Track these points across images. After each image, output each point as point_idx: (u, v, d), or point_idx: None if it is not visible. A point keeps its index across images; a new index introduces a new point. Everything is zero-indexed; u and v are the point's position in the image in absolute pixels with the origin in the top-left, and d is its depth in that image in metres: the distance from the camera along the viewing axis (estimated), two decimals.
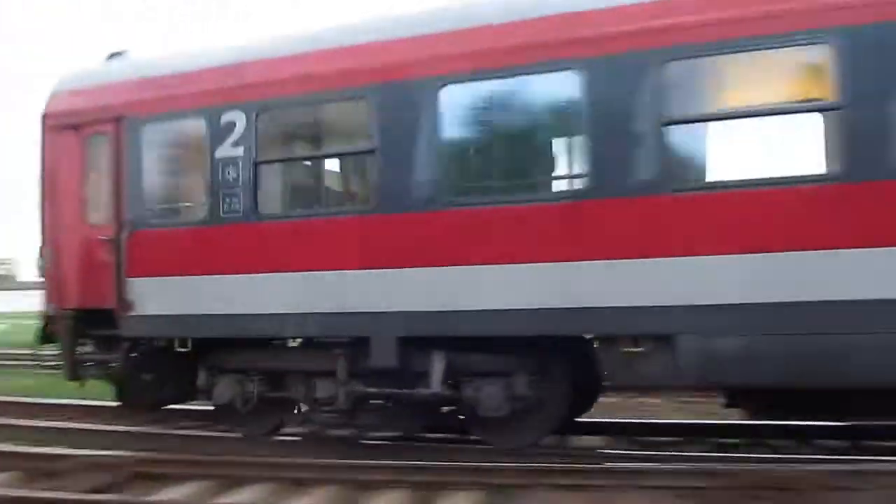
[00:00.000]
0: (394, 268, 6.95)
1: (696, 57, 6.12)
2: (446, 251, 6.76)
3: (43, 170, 8.78)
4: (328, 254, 7.21)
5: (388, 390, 7.27)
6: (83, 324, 8.41)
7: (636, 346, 6.29)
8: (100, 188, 8.46)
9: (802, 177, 5.84)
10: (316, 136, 8.68)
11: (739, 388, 6.68)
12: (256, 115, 7.52)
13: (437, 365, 6.95)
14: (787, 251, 5.71)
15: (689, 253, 6.02)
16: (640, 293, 6.15)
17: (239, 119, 7.61)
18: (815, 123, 6.29)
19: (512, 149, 7.29)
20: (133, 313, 8.04)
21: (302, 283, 7.29)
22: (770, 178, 5.90)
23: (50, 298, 8.64)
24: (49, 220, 8.68)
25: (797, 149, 6.54)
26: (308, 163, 8.91)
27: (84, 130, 8.49)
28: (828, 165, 5.97)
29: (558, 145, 7.74)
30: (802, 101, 6.34)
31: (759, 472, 5.57)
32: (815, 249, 5.64)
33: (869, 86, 5.61)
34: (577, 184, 6.74)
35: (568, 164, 7.56)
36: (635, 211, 6.21)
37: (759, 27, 5.88)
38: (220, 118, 7.70)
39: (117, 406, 9.40)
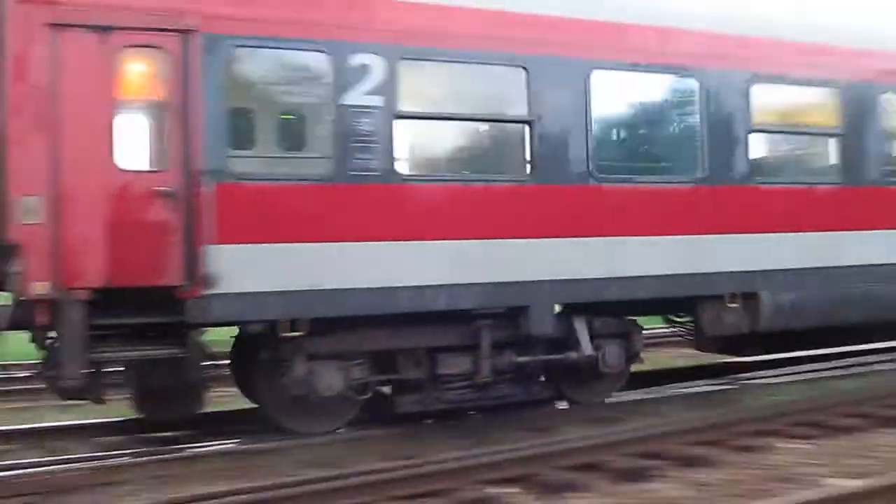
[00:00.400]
0: (552, 237, 7.15)
1: None
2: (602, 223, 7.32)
3: (14, 74, 5.83)
4: (484, 222, 6.92)
5: (541, 357, 7.28)
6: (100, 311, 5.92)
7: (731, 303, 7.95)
8: (147, 122, 6.10)
9: None
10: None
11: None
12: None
13: (584, 329, 7.37)
14: None
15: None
16: (738, 259, 7.85)
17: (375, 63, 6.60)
18: None
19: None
20: (216, 291, 6.10)
21: (457, 252, 6.80)
22: None
23: (41, 274, 5.77)
24: (40, 157, 5.80)
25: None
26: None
27: (120, 37, 5.99)
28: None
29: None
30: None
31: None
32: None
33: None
34: (699, 172, 7.98)
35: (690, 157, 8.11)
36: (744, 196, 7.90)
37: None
38: (347, 57, 6.53)
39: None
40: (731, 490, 5.25)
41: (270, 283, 6.28)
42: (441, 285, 6.78)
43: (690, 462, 5.94)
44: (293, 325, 6.40)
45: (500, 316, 7.13)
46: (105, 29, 5.98)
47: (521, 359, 7.28)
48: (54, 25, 5.83)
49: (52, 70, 5.83)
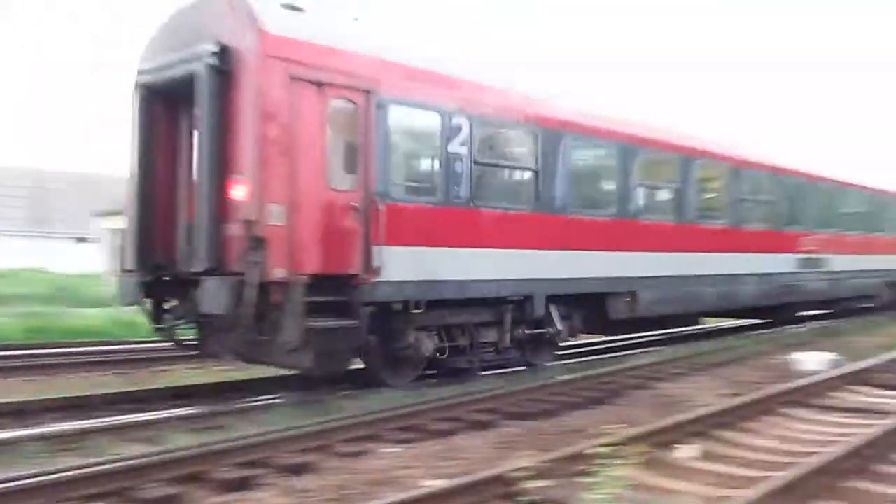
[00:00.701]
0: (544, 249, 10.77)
1: None
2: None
3: (266, 113, 7.90)
4: (514, 236, 10.28)
5: (537, 331, 10.71)
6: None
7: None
8: (343, 154, 8.41)
9: None
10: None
11: None
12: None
13: (558, 313, 11.05)
14: None
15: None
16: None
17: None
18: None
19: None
20: (379, 279, 8.65)
21: (503, 257, 10.09)
22: None
23: (280, 263, 7.85)
24: (283, 176, 7.90)
25: None
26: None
27: (328, 91, 8.29)
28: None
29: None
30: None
31: None
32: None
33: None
34: (632, 209, 12.01)
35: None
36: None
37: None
38: (451, 120, 9.48)
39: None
40: (332, 496, 5.42)
41: (410, 275, 8.97)
42: (492, 279, 9.98)
43: (295, 470, 6.05)
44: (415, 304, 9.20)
45: (516, 302, 10.49)
46: (321, 84, 8.25)
47: (527, 332, 10.74)
48: (293, 78, 8.00)
49: (290, 111, 7.99)
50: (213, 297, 7.84)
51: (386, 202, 8.77)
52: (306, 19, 8.76)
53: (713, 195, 14.94)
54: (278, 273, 7.87)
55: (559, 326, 11.15)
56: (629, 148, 12.47)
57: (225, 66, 8.06)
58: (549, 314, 11.01)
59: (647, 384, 10.43)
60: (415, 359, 9.62)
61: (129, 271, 9.08)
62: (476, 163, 9.95)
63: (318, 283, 8.17)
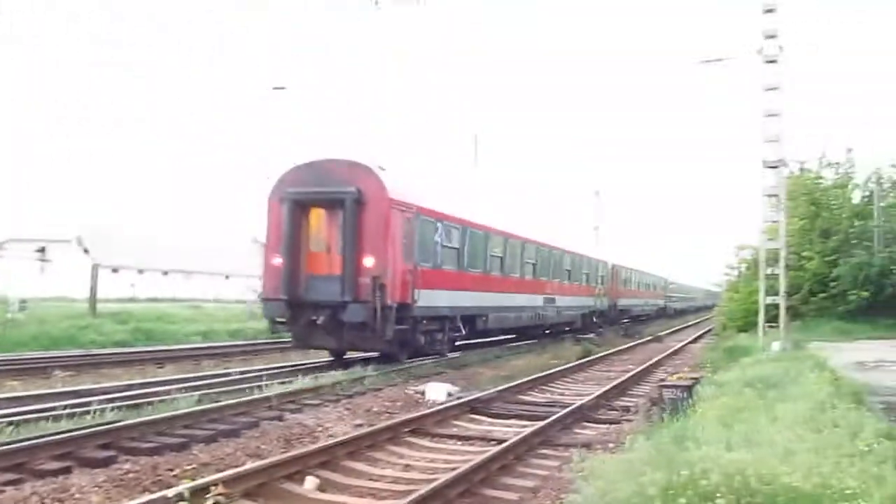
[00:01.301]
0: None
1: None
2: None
3: (381, 224, 16.98)
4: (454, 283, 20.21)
5: (456, 334, 20.52)
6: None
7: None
8: (407, 243, 17.60)
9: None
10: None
11: None
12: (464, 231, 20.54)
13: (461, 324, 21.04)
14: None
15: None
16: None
17: (458, 231, 19.75)
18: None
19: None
20: (417, 305, 17.99)
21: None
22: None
23: (393, 296, 17.07)
24: (387, 254, 17.05)
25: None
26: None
27: (402, 213, 17.66)
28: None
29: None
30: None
31: None
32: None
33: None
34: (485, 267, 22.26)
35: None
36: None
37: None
38: (452, 227, 19.47)
39: None
40: None
41: (425, 303, 18.33)
42: (446, 306, 19.70)
43: None
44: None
45: (450, 318, 20.26)
46: (401, 210, 17.49)
47: (453, 334, 20.51)
48: (391, 207, 17.22)
49: (390, 222, 17.14)
50: (355, 313, 16.33)
51: (419, 267, 18.08)
52: (395, 177, 18.15)
53: (511, 258, 25.68)
54: (387, 302, 16.81)
55: (463, 332, 21.06)
56: (517, 242, 25.01)
57: (361, 199, 16.86)
58: (459, 325, 20.87)
59: (283, 416, 11.38)
60: (416, 344, 18.86)
61: (277, 299, 17.20)
62: (443, 246, 19.62)
63: (397, 307, 17.21)
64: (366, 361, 17.64)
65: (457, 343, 21.48)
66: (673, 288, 60.71)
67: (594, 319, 36.34)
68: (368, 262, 16.70)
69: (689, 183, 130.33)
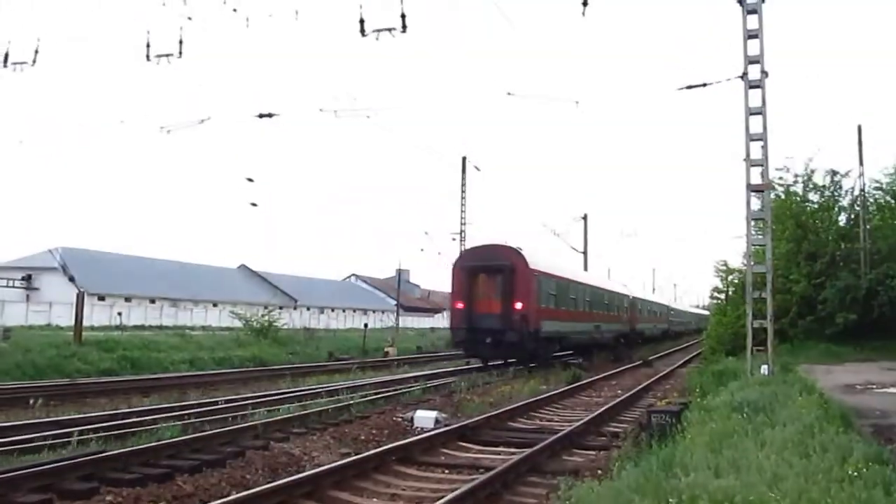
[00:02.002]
0: None
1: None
2: None
3: (526, 282, 27.55)
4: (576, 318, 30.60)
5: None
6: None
7: None
8: (535, 292, 27.98)
9: None
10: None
11: None
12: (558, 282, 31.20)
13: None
14: None
15: None
16: None
17: (555, 282, 29.27)
18: None
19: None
20: (541, 330, 27.92)
21: (567, 325, 30.67)
22: None
23: (532, 326, 27.01)
24: (530, 300, 27.54)
25: None
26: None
27: (534, 273, 28.32)
28: None
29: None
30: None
31: None
32: None
33: None
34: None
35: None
36: None
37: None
38: (556, 281, 30.78)
39: None
40: None
41: (549, 329, 28.61)
42: (563, 331, 30.62)
43: None
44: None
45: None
46: (533, 273, 28.53)
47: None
48: (531, 272, 28.28)
49: (531, 282, 28.18)
50: (512, 336, 26.51)
51: (541, 307, 28.64)
52: (529, 254, 28.70)
53: (579, 298, 34.45)
54: (528, 329, 26.89)
55: (558, 347, 30.90)
56: (582, 286, 35.14)
57: (513, 269, 27.51)
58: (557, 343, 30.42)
59: (269, 444, 11.09)
60: (540, 355, 28.54)
61: (461, 328, 27.98)
62: (549, 293, 29.68)
63: (532, 332, 26.94)
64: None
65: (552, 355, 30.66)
66: (673, 314, 71.86)
67: (622, 340, 43.23)
68: (518, 305, 27.15)
69: (674, 207, 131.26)
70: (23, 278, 58.88)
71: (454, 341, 30.00)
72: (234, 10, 14.94)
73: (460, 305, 27.98)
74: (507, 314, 26.70)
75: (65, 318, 42.10)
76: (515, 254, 28.22)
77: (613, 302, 42.22)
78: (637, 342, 48.01)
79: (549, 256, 34.84)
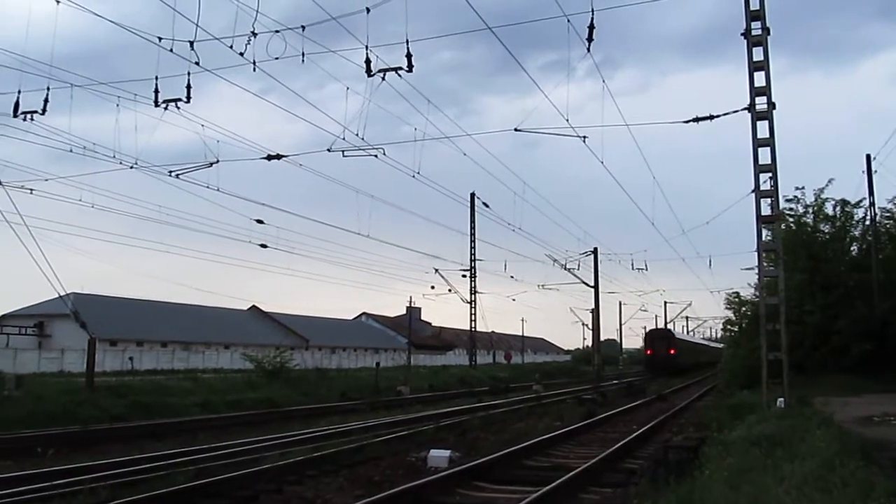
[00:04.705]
0: None
1: None
2: None
3: (675, 346, 61.90)
4: None
5: None
6: None
7: None
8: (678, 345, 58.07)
9: None
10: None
11: None
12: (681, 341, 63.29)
13: None
14: None
15: None
16: None
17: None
18: None
19: None
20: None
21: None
22: None
23: None
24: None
25: None
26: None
27: (678, 342, 60.42)
28: None
29: None
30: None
31: None
32: None
33: None
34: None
35: None
36: None
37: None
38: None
39: None
40: None
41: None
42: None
43: None
44: None
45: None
46: (678, 341, 59.12)
47: None
48: (675, 339, 61.54)
49: (676, 345, 59.78)
50: (673, 365, 58.45)
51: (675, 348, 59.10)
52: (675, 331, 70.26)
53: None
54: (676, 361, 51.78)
55: None
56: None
57: (671, 339, 64.01)
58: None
59: (282, 488, 11.04)
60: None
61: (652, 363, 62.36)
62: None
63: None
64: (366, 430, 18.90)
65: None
66: (701, 347, 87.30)
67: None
68: (672, 351, 60.30)
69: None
70: (35, 326, 59.10)
71: (646, 367, 63.18)
72: (241, 53, 15.12)
73: (649, 352, 63.09)
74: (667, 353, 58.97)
75: (77, 364, 42.04)
76: (672, 334, 64.83)
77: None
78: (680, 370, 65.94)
79: (679, 331, 66.91)
